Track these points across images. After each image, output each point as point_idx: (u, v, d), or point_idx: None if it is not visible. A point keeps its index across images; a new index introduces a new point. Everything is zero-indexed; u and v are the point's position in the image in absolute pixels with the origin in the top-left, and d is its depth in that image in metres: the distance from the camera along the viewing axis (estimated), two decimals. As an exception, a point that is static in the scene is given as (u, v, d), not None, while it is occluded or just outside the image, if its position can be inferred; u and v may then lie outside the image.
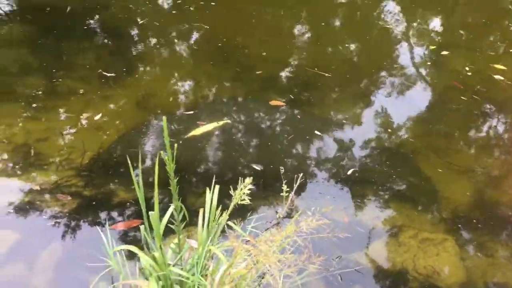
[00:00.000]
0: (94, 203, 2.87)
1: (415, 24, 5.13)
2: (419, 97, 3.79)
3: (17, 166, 3.20)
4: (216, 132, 3.44)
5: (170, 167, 1.86)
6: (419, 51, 4.46)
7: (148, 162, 3.14)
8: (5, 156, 3.28)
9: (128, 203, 2.83)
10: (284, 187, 2.63)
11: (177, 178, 1.82)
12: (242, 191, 2.08)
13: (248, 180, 2.11)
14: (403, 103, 3.72)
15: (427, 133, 3.39)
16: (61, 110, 3.73)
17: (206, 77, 4.16)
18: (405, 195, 2.82)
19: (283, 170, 2.97)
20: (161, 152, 1.86)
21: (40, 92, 3.89)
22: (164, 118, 1.77)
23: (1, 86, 3.93)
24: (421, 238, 2.48)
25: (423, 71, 4.18)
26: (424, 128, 3.46)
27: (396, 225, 2.61)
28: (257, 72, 4.17)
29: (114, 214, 2.80)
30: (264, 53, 4.44)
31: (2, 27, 4.71)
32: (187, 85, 4.12)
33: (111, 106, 3.76)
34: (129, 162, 2.02)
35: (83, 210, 2.81)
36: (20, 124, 3.59)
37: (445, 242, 2.46)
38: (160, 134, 3.47)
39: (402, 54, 4.40)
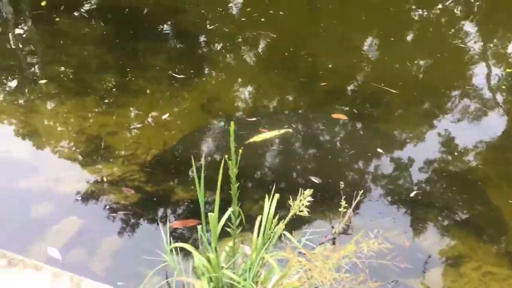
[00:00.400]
0: (154, 199, 2.94)
1: (491, 45, 4.87)
2: (491, 122, 3.62)
3: (87, 157, 3.29)
4: (276, 140, 3.46)
5: (233, 172, 1.87)
6: (494, 73, 4.25)
7: (208, 164, 3.19)
8: (78, 146, 3.45)
9: (186, 202, 2.90)
10: (343, 203, 2.56)
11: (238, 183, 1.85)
12: (301, 202, 2.05)
13: (308, 191, 2.08)
14: (473, 127, 3.57)
15: (498, 161, 3.25)
16: (131, 107, 3.87)
17: (270, 85, 4.17)
18: (470, 224, 2.73)
19: (342, 185, 2.95)
20: (226, 156, 1.86)
21: (114, 89, 4.06)
22: (232, 123, 1.78)
23: (80, 81, 4.15)
24: (484, 271, 2.39)
25: (497, 94, 3.97)
26: (495, 155, 3.32)
27: (458, 255, 2.53)
28: (322, 84, 4.13)
29: (173, 211, 2.87)
30: (330, 65, 4.38)
31: (84, 26, 4.96)
32: (250, 91, 4.16)
33: (177, 106, 3.86)
34: (193, 162, 2.05)
35: (144, 204, 2.89)
36: (94, 117, 3.77)
37: (510, 279, 2.36)
38: (222, 137, 3.48)
39: (475, 75, 4.20)
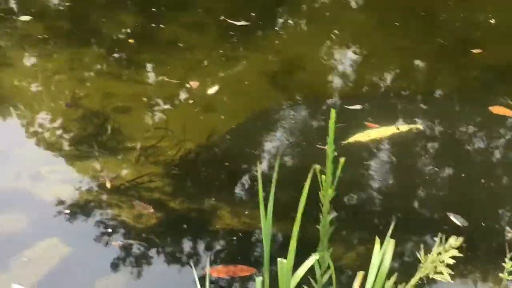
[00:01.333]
0: (184, 225, 3.00)
1: None
2: None
3: (82, 146, 3.34)
4: (394, 143, 3.48)
5: (327, 195, 1.78)
6: None
7: (273, 172, 3.21)
8: (69, 127, 3.49)
9: (236, 234, 2.92)
10: (508, 264, 2.45)
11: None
12: (441, 258, 1.97)
13: (455, 240, 1.99)
14: None
15: None
16: (157, 70, 3.90)
17: (388, 49, 4.17)
18: None
19: (509, 235, 2.96)
20: (317, 167, 1.77)
21: (130, 38, 4.09)
22: (332, 111, 1.66)
23: (80, 22, 4.20)
24: None
25: None
26: None
27: None
28: (474, 51, 4.07)
29: (213, 248, 2.90)
30: (492, 20, 4.31)
31: None
32: (354, 59, 4.14)
33: (232, 75, 3.88)
34: (258, 169, 2.03)
35: (167, 231, 2.93)
36: (96, 81, 3.80)
37: None
38: (302, 131, 3.50)
39: None
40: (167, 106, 3.67)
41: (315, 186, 1.73)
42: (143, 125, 3.53)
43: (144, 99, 3.69)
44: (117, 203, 3.07)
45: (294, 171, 3.25)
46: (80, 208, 3.03)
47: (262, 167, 3.24)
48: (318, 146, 3.32)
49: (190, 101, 3.68)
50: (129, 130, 3.47)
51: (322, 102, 3.77)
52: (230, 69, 3.94)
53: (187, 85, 3.77)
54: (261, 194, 1.85)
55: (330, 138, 1.74)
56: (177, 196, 3.11)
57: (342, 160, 1.77)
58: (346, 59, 4.15)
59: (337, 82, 3.96)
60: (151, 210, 3.02)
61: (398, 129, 3.53)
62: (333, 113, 1.67)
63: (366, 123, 3.55)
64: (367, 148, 3.44)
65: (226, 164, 3.31)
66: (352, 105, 3.70)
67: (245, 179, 3.22)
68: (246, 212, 2.99)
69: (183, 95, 3.74)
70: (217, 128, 3.50)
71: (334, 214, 1.82)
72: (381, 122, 3.56)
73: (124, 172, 3.24)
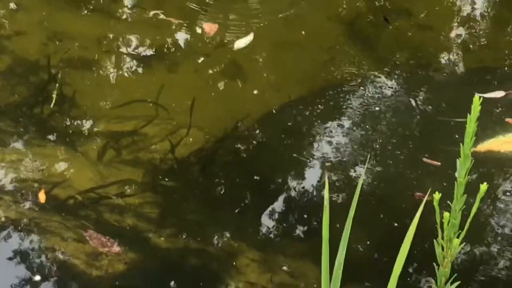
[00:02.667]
0: (173, 281, 3.10)
1: None
2: None
3: (4, 121, 3.45)
4: None
5: (451, 249, 1.89)
6: None
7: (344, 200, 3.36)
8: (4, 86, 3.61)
9: None
10: None
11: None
12: None
13: None
14: None
15: None
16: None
17: None
18: None
19: None
20: (436, 195, 1.89)
21: None
22: (476, 97, 1.76)
23: None
24: None
25: None
26: None
27: None
28: None
29: None
30: None
31: None
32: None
33: (280, 17, 4.02)
34: (325, 199, 2.01)
35: None
36: (37, 9, 3.86)
37: None
38: (393, 129, 3.63)
39: None
40: (159, 65, 3.77)
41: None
42: (114, 93, 3.64)
43: (120, 46, 3.82)
44: (56, 231, 3.14)
45: (379, 199, 3.36)
46: (6, 228, 3.12)
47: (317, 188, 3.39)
48: (424, 159, 3.45)
49: (201, 58, 3.79)
50: (89, 100, 3.59)
51: (435, 78, 3.93)
52: (274, 6, 4.05)
53: (198, 29, 3.88)
54: (326, 237, 1.97)
55: (466, 147, 1.90)
56: (165, 225, 3.20)
57: (483, 186, 1.89)
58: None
59: (465, 45, 4.09)
60: (116, 249, 3.09)
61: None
62: (476, 102, 1.81)
63: (507, 119, 3.67)
64: (499, 161, 3.56)
65: (256, 177, 3.43)
66: (487, 91, 3.83)
67: (288, 206, 3.32)
68: (285, 267, 3.11)
69: (189, 47, 3.85)
70: (246, 110, 3.62)
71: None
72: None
73: (75, 176, 3.32)
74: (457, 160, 1.91)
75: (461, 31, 4.21)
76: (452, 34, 4.13)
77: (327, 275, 2.06)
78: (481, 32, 4.24)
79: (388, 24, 4.09)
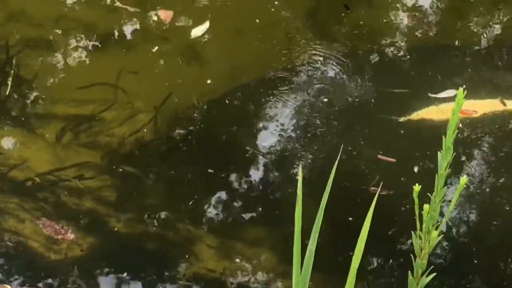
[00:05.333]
0: (132, 266, 3.08)
1: None
2: None
3: None
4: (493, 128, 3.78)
5: (429, 239, 1.92)
6: None
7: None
8: None
9: None
10: None
11: None
12: None
13: None
14: None
15: None
16: None
17: None
18: None
19: None
20: (416, 187, 1.87)
21: None
22: (460, 90, 1.67)
23: None
24: None
25: None
26: None
27: None
28: None
29: None
30: None
31: None
32: None
33: (239, 3, 4.03)
34: (299, 187, 1.97)
35: (101, 279, 3.04)
36: None
37: None
38: (346, 108, 3.64)
39: None
40: (116, 50, 3.80)
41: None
42: (73, 75, 3.63)
43: (77, 30, 3.82)
44: (8, 216, 3.13)
45: (343, 189, 3.38)
46: None
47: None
48: (379, 156, 3.50)
49: (156, 47, 3.80)
50: (46, 81, 3.58)
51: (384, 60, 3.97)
52: None
53: (153, 17, 3.90)
54: (298, 229, 1.96)
55: (448, 140, 1.84)
56: (124, 210, 3.21)
57: (463, 179, 1.85)
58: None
59: (414, 26, 4.19)
60: (70, 236, 3.07)
61: (504, 104, 3.76)
62: (460, 95, 1.71)
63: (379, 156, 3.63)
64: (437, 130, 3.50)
65: (213, 164, 3.44)
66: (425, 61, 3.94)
67: (246, 193, 3.34)
68: (242, 254, 3.11)
69: (145, 33, 3.89)
70: (205, 92, 3.65)
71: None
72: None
73: (32, 158, 3.31)
74: (438, 152, 1.87)
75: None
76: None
77: (299, 265, 2.07)
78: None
79: (349, 11, 4.08)
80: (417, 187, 1.88)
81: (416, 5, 4.29)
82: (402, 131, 3.68)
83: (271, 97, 3.78)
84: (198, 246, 3.16)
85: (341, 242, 3.18)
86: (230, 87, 3.77)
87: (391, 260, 3.12)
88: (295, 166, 3.53)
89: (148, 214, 3.26)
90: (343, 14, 4.17)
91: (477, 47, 4.18)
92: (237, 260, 3.17)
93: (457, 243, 3.42)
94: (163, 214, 3.27)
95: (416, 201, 1.86)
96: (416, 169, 3.63)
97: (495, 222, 3.55)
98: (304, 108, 3.80)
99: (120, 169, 3.35)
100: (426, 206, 1.87)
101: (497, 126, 3.74)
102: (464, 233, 3.49)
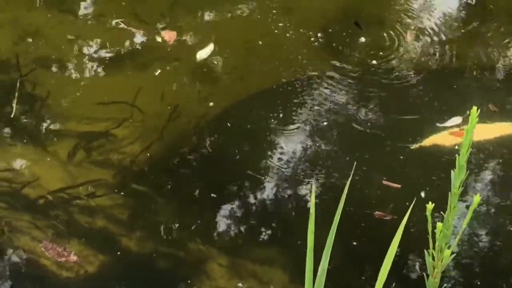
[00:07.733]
0: None
1: None
2: None
3: None
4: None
5: (441, 258, 1.89)
6: None
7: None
8: None
9: None
10: None
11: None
12: None
13: None
14: None
15: None
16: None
17: None
18: None
19: None
20: (429, 206, 1.87)
21: None
22: (474, 108, 1.70)
23: None
24: None
25: None
26: None
27: None
28: None
29: None
30: None
31: None
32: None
33: (243, 24, 4.10)
34: (311, 209, 1.95)
35: None
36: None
37: None
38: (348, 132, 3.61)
39: None
40: (127, 69, 3.85)
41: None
42: (85, 94, 3.66)
43: (87, 49, 3.83)
44: (26, 230, 3.12)
45: (355, 213, 3.36)
46: None
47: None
48: (384, 182, 3.49)
49: (159, 70, 3.82)
50: (59, 100, 3.60)
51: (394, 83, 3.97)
52: (238, 10, 4.12)
53: (158, 38, 3.92)
54: (310, 246, 1.93)
55: (461, 158, 1.83)
56: (135, 228, 3.20)
57: (477, 197, 1.85)
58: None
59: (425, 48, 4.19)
60: (73, 258, 3.06)
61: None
62: (474, 114, 1.72)
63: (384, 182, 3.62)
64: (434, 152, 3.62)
65: (224, 183, 3.45)
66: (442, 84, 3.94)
67: (258, 212, 3.34)
68: (253, 273, 3.11)
69: (151, 53, 3.92)
70: (213, 110, 3.70)
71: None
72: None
73: (45, 176, 3.31)
74: (452, 171, 1.87)
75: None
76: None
77: (311, 282, 2.06)
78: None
79: (360, 29, 4.10)
80: (430, 205, 1.87)
81: (428, 27, 4.31)
82: (412, 157, 3.68)
83: (281, 118, 3.78)
84: (209, 265, 3.14)
85: (344, 266, 3.16)
86: (239, 104, 3.78)
87: (395, 283, 3.12)
88: (305, 186, 3.51)
89: (159, 232, 3.22)
90: (353, 33, 4.20)
91: (489, 73, 4.20)
92: (249, 279, 3.15)
93: (468, 262, 3.37)
94: (174, 233, 3.24)
95: (429, 219, 1.86)
96: (423, 194, 3.60)
97: (505, 242, 3.50)
98: (314, 131, 3.80)
99: (132, 187, 3.33)
100: (439, 225, 1.88)
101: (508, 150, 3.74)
102: (474, 252, 3.44)
